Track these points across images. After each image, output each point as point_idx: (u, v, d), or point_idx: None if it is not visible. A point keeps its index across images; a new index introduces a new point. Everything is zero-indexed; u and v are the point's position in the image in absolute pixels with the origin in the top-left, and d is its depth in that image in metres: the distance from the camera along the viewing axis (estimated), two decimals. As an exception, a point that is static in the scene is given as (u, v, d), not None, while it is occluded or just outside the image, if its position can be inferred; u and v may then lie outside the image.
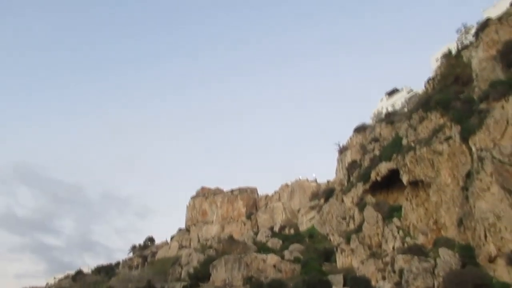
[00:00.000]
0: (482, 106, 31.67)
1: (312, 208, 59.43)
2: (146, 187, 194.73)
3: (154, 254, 71.71)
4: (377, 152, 45.55)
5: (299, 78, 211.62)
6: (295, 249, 45.79)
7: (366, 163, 46.37)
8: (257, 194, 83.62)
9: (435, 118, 36.04)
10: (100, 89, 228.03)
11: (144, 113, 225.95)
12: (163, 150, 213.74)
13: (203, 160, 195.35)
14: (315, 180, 73.46)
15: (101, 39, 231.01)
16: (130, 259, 73.75)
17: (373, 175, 41.63)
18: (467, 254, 26.35)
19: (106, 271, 68.86)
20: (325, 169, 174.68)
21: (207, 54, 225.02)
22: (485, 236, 25.26)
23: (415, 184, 34.42)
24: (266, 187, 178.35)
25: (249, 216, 77.16)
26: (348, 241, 38.14)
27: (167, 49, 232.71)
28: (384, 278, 30.33)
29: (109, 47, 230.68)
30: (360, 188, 43.99)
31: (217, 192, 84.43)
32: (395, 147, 40.16)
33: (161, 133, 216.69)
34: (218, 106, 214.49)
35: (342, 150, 60.59)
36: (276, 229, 61.71)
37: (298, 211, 65.39)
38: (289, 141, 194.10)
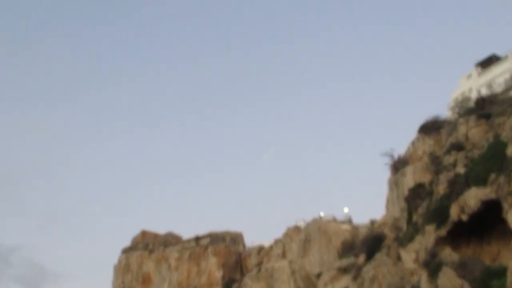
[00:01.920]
0: None
1: (343, 270, 59.62)
2: (42, 233, 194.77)
3: None
4: (461, 170, 45.66)
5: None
6: None
7: (441, 189, 46.53)
8: (244, 245, 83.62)
9: None
10: None
11: (41, 110, 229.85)
12: (76, 170, 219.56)
13: (148, 188, 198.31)
14: (349, 220, 74.24)
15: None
16: None
17: (454, 212, 41.57)
18: None
19: None
20: (366, 200, 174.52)
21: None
22: None
23: (531, 227, 35.21)
24: (259, 232, 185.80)
25: (228, 286, 76.74)
26: (410, 331, 39.88)
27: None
28: None
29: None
30: (431, 234, 43.86)
31: (171, 241, 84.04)
32: (494, 161, 40.09)
33: (74, 140, 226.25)
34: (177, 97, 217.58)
35: (398, 166, 60.81)
36: (279, 309, 66.46)
37: (319, 276, 65.50)
38: (300, 154, 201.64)
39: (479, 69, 66.16)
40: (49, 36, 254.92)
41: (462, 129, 50.30)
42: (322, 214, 78.26)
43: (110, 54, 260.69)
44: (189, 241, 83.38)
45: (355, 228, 70.67)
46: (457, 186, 42.86)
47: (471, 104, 55.91)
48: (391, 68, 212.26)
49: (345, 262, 60.88)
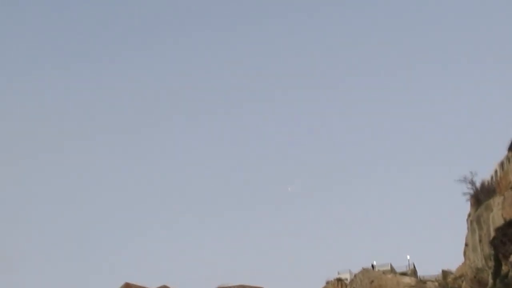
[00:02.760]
0: None
1: None
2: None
3: None
4: None
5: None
6: None
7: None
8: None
9: None
10: None
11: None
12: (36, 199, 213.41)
13: (135, 226, 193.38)
14: (412, 271, 75.37)
15: None
16: None
17: None
18: None
19: None
20: (436, 244, 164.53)
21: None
22: None
23: None
24: (287, 287, 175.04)
25: None
26: None
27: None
28: None
29: None
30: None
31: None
32: None
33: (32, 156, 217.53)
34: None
35: (481, 197, 59.65)
36: None
37: None
38: (339, 183, 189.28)
39: None
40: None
41: None
42: (375, 263, 77.65)
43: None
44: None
45: (421, 283, 70.65)
46: None
47: None
48: (465, 61, 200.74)
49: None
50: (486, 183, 60.78)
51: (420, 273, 77.92)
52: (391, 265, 78.60)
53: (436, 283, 70.04)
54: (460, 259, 64.61)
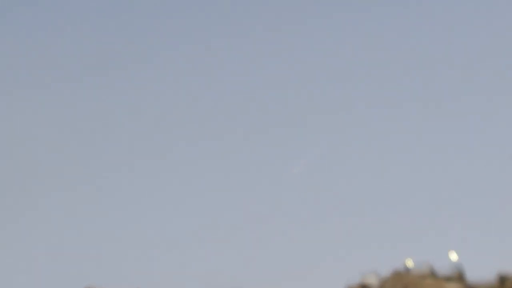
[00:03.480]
0: None
1: None
2: None
3: None
4: None
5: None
6: None
7: None
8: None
9: None
10: None
11: None
12: None
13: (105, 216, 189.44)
14: (459, 274, 71.04)
15: None
16: None
17: None
18: None
19: None
20: (490, 240, 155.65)
21: None
22: None
23: None
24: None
25: None
26: None
27: None
28: None
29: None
30: None
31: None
32: None
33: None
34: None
35: None
36: None
37: None
38: (358, 160, 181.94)
39: None
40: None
41: None
42: (410, 263, 72.62)
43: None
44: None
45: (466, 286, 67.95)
46: None
47: None
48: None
49: None
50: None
51: (469, 277, 71.16)
52: (431, 266, 71.75)
53: (485, 288, 63.84)
54: (523, 259, 58.68)
